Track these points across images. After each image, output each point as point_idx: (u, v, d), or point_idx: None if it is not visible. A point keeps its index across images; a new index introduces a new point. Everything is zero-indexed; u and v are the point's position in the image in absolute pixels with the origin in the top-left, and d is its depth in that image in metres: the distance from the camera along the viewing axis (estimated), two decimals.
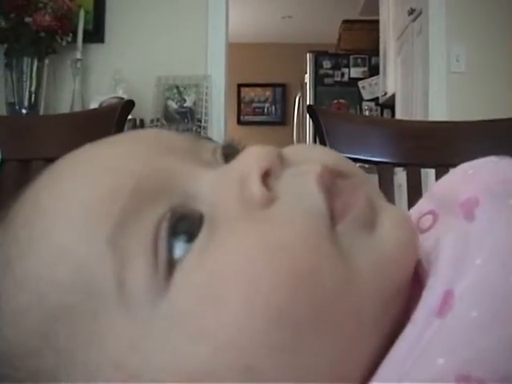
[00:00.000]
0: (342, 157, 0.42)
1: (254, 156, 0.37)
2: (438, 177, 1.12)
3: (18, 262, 0.35)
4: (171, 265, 0.33)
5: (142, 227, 0.34)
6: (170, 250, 0.34)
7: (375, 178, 1.11)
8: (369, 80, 5.71)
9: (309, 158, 0.39)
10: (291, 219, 0.34)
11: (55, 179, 0.37)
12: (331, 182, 0.36)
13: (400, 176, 1.97)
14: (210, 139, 0.44)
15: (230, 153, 0.40)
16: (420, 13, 3.60)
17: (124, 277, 0.33)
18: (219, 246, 0.33)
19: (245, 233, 0.33)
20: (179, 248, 0.34)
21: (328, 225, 0.34)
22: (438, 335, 0.32)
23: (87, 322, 0.33)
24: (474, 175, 0.41)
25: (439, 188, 0.43)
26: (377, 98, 5.48)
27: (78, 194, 0.35)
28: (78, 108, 2.93)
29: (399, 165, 1.22)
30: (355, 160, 1.14)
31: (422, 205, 0.43)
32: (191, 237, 0.34)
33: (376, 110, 5.49)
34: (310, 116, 1.19)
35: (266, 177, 0.36)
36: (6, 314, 0.35)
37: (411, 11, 3.88)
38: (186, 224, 0.34)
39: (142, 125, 2.93)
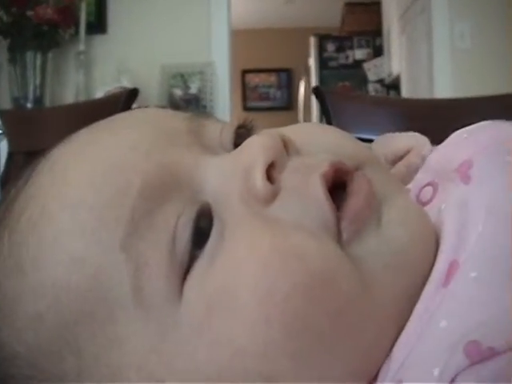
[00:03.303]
0: (349, 139, 0.41)
1: (258, 146, 0.36)
2: None
3: (30, 268, 0.34)
4: (186, 268, 0.33)
5: (156, 229, 0.33)
6: (186, 252, 0.33)
7: None
8: (373, 61, 5.68)
9: (316, 146, 0.38)
10: (300, 226, 0.33)
11: (59, 180, 0.36)
12: (335, 181, 0.35)
13: None
14: (212, 116, 0.43)
15: (242, 133, 0.39)
16: None
17: (140, 281, 0.33)
18: (230, 250, 0.33)
19: (255, 235, 0.33)
20: (193, 251, 0.33)
21: (335, 231, 0.34)
22: (441, 303, 0.32)
23: (106, 326, 0.33)
24: (467, 139, 0.40)
25: (435, 157, 0.43)
26: (382, 79, 5.45)
27: (84, 198, 0.34)
28: (82, 100, 2.93)
29: None
30: (362, 140, 1.13)
31: (420, 178, 0.43)
32: (202, 238, 0.34)
33: (382, 91, 5.46)
34: (316, 97, 1.19)
35: (271, 168, 0.35)
36: (23, 319, 0.34)
37: None
38: (198, 224, 0.34)
39: None
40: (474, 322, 0.30)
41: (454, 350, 0.30)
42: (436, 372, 0.30)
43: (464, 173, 0.37)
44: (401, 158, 0.51)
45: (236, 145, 0.38)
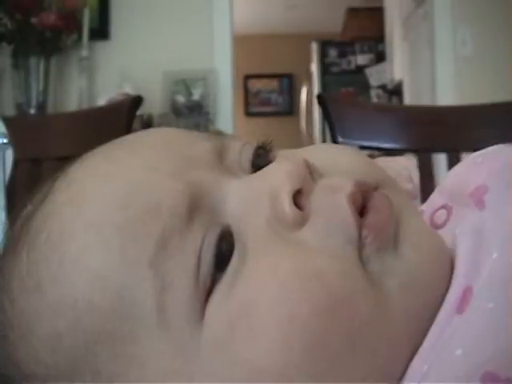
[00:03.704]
0: (365, 159, 0.41)
1: (285, 172, 0.35)
2: (449, 161, 1.12)
3: (50, 286, 0.34)
4: (208, 290, 0.33)
5: (184, 249, 0.33)
6: (208, 275, 0.33)
7: None
8: (376, 67, 5.68)
9: (338, 168, 0.38)
10: (324, 246, 0.33)
11: (79, 197, 0.36)
12: (361, 202, 0.35)
13: None
14: (230, 135, 0.43)
15: (261, 154, 0.39)
16: None
17: (165, 302, 0.33)
18: (252, 271, 0.33)
19: (277, 258, 0.33)
20: (217, 273, 0.33)
21: (357, 252, 0.34)
22: (456, 330, 0.32)
23: (127, 346, 0.33)
24: (482, 163, 0.40)
25: (450, 180, 0.43)
26: (384, 85, 5.45)
27: (108, 216, 0.34)
28: (85, 106, 2.94)
29: (409, 150, 1.21)
30: (365, 147, 1.14)
31: (434, 200, 0.43)
32: (223, 260, 0.34)
33: (384, 97, 5.46)
34: (319, 104, 1.19)
35: (298, 195, 0.35)
36: (41, 338, 0.34)
37: None
38: (220, 247, 0.34)
39: (151, 120, 2.93)
40: (492, 352, 0.30)
41: (470, 380, 0.30)
42: None
43: (478, 198, 0.37)
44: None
45: (254, 165, 0.39)
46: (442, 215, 0.41)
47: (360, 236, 0.34)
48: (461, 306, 0.33)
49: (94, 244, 0.34)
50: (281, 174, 0.35)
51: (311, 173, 0.36)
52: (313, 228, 0.34)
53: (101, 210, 0.34)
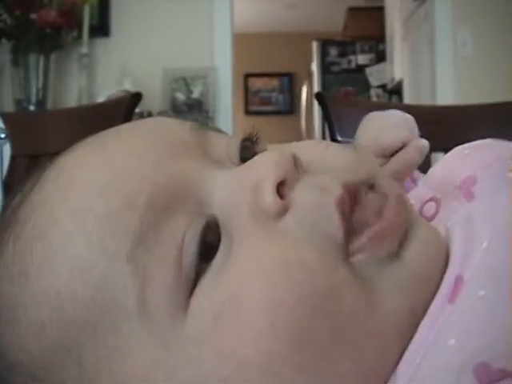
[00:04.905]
0: (352, 153, 0.41)
1: (269, 163, 0.35)
2: None
3: (34, 276, 0.34)
4: (193, 282, 0.33)
5: (163, 242, 0.33)
6: (192, 266, 0.33)
7: None
8: (376, 67, 5.69)
9: (329, 166, 0.37)
10: (308, 238, 0.33)
11: (66, 186, 0.36)
12: (349, 207, 0.34)
13: None
14: (218, 130, 0.43)
15: (247, 146, 0.39)
16: None
17: (145, 294, 0.32)
18: (237, 262, 0.33)
19: (261, 248, 0.33)
20: (199, 264, 0.33)
21: (344, 249, 0.33)
22: (448, 320, 0.32)
23: (109, 337, 0.33)
24: (469, 155, 0.40)
25: (437, 173, 0.43)
26: (385, 85, 5.45)
27: (91, 206, 0.34)
28: (85, 103, 2.93)
29: None
30: None
31: (422, 192, 0.43)
32: (209, 251, 0.34)
33: (384, 97, 5.46)
34: (318, 103, 1.19)
35: (281, 185, 0.35)
36: (25, 327, 0.34)
37: None
38: (205, 238, 0.34)
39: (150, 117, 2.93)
40: (483, 343, 0.30)
41: (462, 371, 0.30)
42: None
43: (467, 190, 0.37)
44: (393, 152, 0.51)
45: (241, 157, 0.38)
46: (430, 208, 0.41)
47: (346, 242, 0.33)
48: (452, 296, 0.33)
49: (76, 232, 0.34)
50: (266, 164, 0.35)
51: (296, 165, 0.36)
52: (297, 222, 0.34)
53: (84, 198, 0.34)
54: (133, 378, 0.33)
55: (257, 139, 0.40)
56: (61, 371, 0.34)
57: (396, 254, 0.34)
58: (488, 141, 0.41)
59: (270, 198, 0.34)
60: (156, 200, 0.34)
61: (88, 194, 0.35)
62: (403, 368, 0.32)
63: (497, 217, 0.34)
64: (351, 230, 0.34)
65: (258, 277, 0.32)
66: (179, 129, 0.40)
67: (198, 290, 0.33)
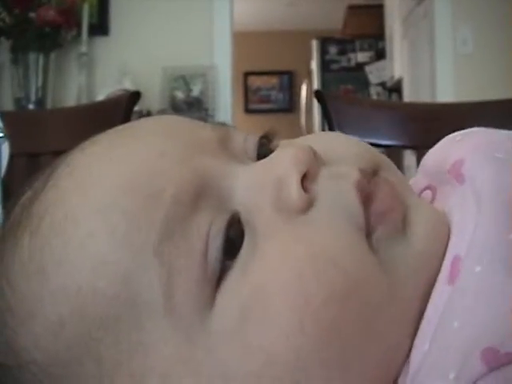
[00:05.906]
0: (361, 144, 0.42)
1: (290, 157, 0.35)
2: None
3: (53, 272, 0.33)
4: (218, 277, 0.33)
5: (189, 237, 0.33)
6: (217, 261, 0.33)
7: None
8: (376, 64, 5.69)
9: (341, 155, 0.38)
10: (334, 230, 0.33)
11: (86, 181, 0.35)
12: (367, 188, 0.35)
13: (408, 158, 1.96)
14: (234, 127, 0.43)
15: (264, 143, 0.40)
16: None
17: (171, 289, 0.32)
18: (264, 257, 0.33)
19: (289, 242, 0.33)
20: (224, 260, 0.33)
21: (365, 238, 0.34)
22: (450, 302, 0.32)
23: (131, 332, 0.33)
24: (461, 141, 0.41)
25: (430, 160, 0.43)
26: (384, 83, 5.45)
27: (115, 201, 0.34)
28: (84, 102, 2.93)
29: (408, 147, 1.21)
30: None
31: (418, 181, 0.43)
32: (233, 246, 0.34)
33: (384, 95, 5.46)
34: (317, 101, 1.19)
35: (304, 179, 0.35)
36: (43, 324, 0.34)
37: None
38: (228, 233, 0.34)
39: (149, 116, 2.93)
40: (489, 326, 0.30)
41: (469, 354, 0.30)
42: (452, 375, 0.30)
43: (457, 171, 0.37)
44: None
45: (258, 154, 0.39)
46: (427, 196, 0.41)
47: (368, 223, 0.34)
48: (451, 276, 0.33)
49: (99, 230, 0.33)
50: (287, 159, 0.35)
51: (316, 158, 0.36)
52: (320, 210, 0.34)
53: (107, 195, 0.34)
54: (153, 373, 0.32)
55: (274, 137, 0.40)
56: (78, 367, 0.33)
57: (403, 231, 0.35)
58: (480, 128, 0.42)
59: (296, 192, 0.34)
60: (182, 194, 0.34)
61: (110, 190, 0.34)
62: (415, 354, 0.33)
63: (485, 190, 0.34)
64: (369, 208, 0.35)
65: (287, 272, 0.32)
66: (198, 127, 0.39)
67: (223, 287, 0.33)
